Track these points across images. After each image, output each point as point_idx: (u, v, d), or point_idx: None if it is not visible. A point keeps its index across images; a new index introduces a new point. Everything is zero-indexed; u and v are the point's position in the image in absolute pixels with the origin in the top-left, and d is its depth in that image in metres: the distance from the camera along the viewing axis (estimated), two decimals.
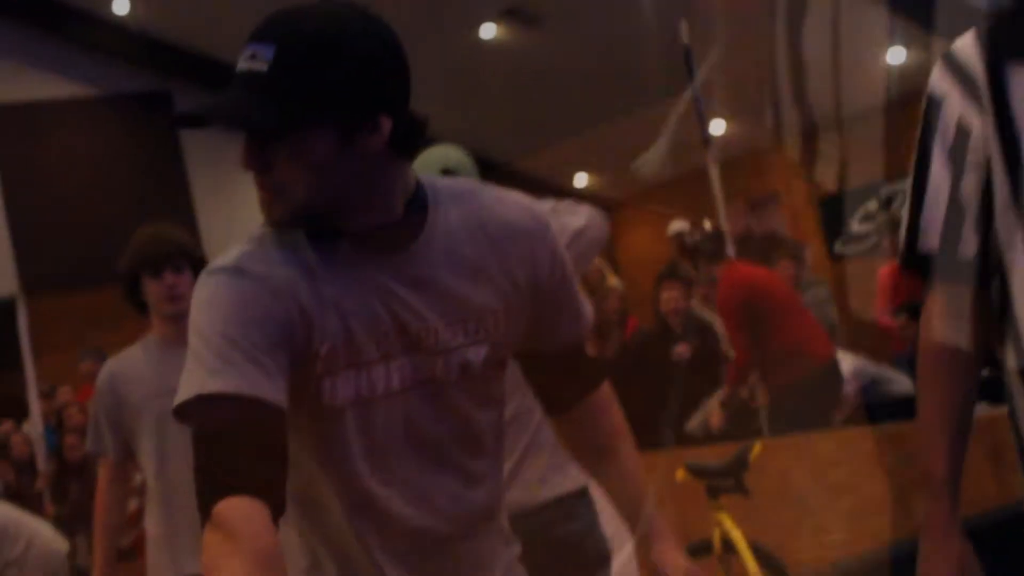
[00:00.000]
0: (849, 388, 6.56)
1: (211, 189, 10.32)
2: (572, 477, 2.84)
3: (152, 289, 3.39)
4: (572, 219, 3.05)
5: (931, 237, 1.83)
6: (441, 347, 1.61)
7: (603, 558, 2.91)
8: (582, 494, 2.88)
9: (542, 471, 2.85)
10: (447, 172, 2.89)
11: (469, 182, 1.75)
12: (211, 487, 1.43)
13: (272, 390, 1.47)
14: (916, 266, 1.88)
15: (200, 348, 1.49)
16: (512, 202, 1.72)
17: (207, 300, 1.53)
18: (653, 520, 1.84)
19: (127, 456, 3.44)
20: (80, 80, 10.68)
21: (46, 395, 9.44)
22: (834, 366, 6.27)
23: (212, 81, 9.79)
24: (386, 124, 1.51)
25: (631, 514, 1.86)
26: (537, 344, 1.81)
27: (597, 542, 2.90)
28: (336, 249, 1.57)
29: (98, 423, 3.44)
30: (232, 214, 7.93)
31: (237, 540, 1.38)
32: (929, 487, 1.82)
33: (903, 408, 6.03)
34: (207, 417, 1.46)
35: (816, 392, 6.19)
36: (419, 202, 1.62)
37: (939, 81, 1.83)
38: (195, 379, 1.48)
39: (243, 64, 1.51)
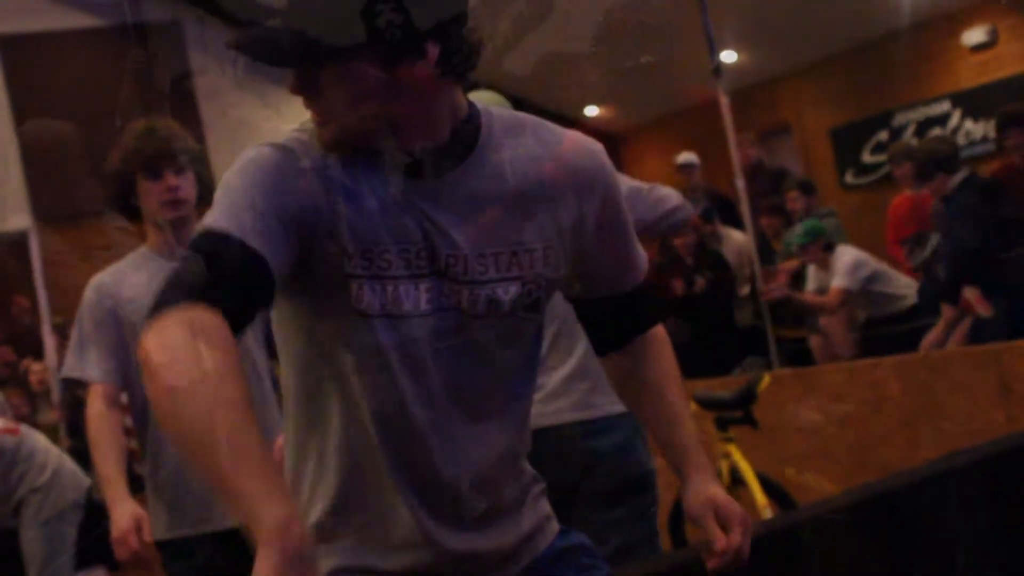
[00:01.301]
0: (848, 282, 6.66)
1: (221, 120, 10.27)
2: (616, 400, 2.81)
3: (150, 191, 2.93)
4: (667, 196, 3.09)
5: None
6: (469, 278, 1.59)
7: (641, 478, 2.84)
8: (624, 415, 2.82)
9: (581, 393, 2.83)
10: None
11: (531, 117, 1.71)
12: (176, 288, 1.42)
13: (269, 249, 1.46)
14: None
15: (221, 197, 1.51)
16: (571, 140, 1.69)
17: (244, 163, 1.54)
18: (691, 455, 1.81)
19: (120, 381, 3.01)
20: (91, 10, 10.62)
21: (59, 328, 9.47)
22: None
23: (224, 11, 9.65)
24: (433, 51, 1.49)
25: (675, 460, 1.82)
26: (584, 291, 1.80)
27: (634, 463, 2.84)
28: (378, 165, 1.57)
29: (83, 344, 3.02)
30: (243, 146, 7.92)
31: (200, 336, 1.36)
32: None
33: (902, 318, 6.17)
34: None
35: None
36: (469, 129, 1.61)
37: None
38: (207, 220, 1.49)
39: None
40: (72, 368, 3.04)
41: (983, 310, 5.46)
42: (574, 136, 1.70)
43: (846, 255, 6.81)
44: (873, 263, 6.82)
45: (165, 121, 3.04)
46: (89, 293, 3.06)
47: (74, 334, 3.08)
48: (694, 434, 1.84)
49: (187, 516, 2.99)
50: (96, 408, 3.00)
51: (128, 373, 3.01)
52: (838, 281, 6.73)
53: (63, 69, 10.45)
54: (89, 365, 3.01)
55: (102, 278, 3.07)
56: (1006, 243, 5.82)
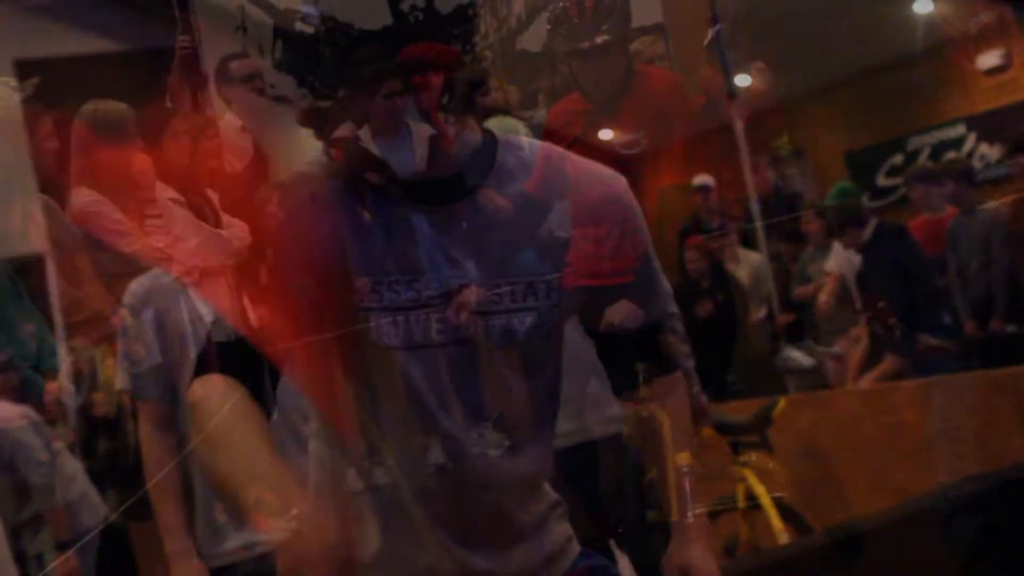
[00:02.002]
0: None
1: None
2: None
3: None
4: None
5: None
6: (482, 308, 1.59)
7: None
8: None
9: (616, 406, 2.81)
10: None
11: (551, 147, 1.70)
12: None
13: None
14: None
15: None
16: (592, 171, 1.68)
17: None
18: (674, 514, 1.77)
19: (168, 396, 2.81)
20: (112, 35, 10.67)
21: (76, 352, 9.46)
22: None
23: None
24: (436, 81, 1.49)
25: (669, 509, 1.80)
26: (603, 324, 1.76)
27: None
28: (388, 197, 1.57)
29: (133, 356, 2.87)
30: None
31: None
32: None
33: None
34: None
35: None
36: (483, 158, 1.61)
37: None
38: None
39: (297, 24, 1.49)
40: (127, 382, 2.92)
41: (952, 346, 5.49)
42: (595, 167, 1.69)
43: None
44: None
45: None
46: (133, 301, 2.92)
47: (120, 346, 2.93)
48: (685, 490, 1.79)
49: (225, 538, 2.88)
50: (146, 430, 2.88)
51: (177, 381, 2.83)
52: None
53: (84, 94, 10.48)
54: (136, 379, 2.89)
55: (146, 283, 2.93)
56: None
